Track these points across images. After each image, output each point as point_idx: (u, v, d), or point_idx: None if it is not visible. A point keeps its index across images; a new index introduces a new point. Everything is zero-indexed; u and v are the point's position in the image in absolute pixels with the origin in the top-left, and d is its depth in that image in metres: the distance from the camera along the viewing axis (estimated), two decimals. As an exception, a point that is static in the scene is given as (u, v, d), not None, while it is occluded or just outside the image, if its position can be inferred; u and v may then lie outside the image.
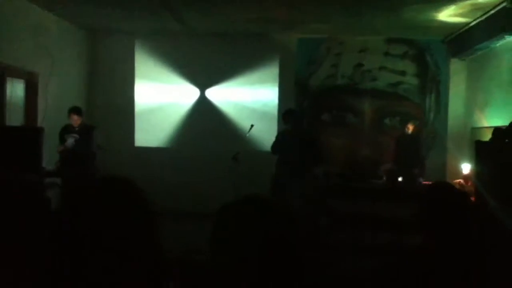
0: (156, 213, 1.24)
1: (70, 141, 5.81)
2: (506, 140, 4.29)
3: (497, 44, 6.09)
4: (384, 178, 6.49)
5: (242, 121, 7.43)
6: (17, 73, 5.94)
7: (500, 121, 5.67)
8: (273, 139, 6.47)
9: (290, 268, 1.14)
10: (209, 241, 1.19)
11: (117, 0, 5.81)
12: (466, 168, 6.42)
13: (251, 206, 1.20)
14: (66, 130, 5.89)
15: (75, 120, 5.86)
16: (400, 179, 6.14)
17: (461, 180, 6.40)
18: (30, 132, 5.28)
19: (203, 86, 7.77)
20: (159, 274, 1.20)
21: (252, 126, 6.54)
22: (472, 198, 5.53)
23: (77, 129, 5.87)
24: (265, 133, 7.18)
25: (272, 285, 1.14)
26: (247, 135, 6.64)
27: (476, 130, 6.66)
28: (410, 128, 6.56)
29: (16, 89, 6.03)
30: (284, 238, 1.16)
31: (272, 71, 7.70)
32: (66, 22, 7.02)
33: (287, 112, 6.14)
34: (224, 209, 1.21)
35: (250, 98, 7.72)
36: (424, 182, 6.13)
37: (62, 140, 5.85)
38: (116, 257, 1.12)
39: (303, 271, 1.18)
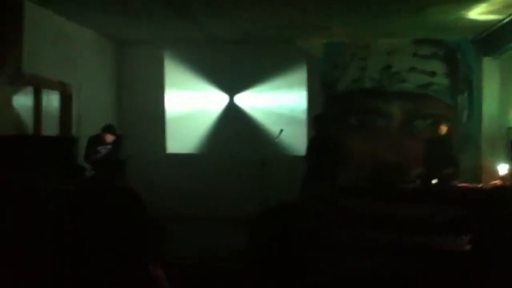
0: (153, 221, 1.30)
1: (103, 151, 5.97)
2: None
3: (531, 41, 5.93)
4: (417, 182, 6.37)
5: (271, 126, 7.44)
6: (51, 85, 6.13)
7: (537, 120, 5.49)
8: (301, 143, 6.53)
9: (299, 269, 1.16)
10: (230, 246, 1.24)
11: (139, 10, 5.90)
12: (503, 169, 6.24)
13: (283, 217, 1.23)
14: (99, 142, 6.00)
15: (109, 138, 5.98)
16: (434, 181, 6.01)
17: (498, 181, 6.21)
18: (66, 142, 5.44)
19: (231, 92, 7.83)
20: (156, 275, 1.23)
21: (281, 131, 6.56)
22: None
23: (109, 141, 6.01)
24: (293, 138, 7.18)
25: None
26: (277, 140, 6.64)
27: (511, 130, 6.47)
28: (443, 129, 6.41)
29: (51, 100, 6.22)
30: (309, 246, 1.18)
31: (299, 76, 7.69)
32: (95, 33, 7.20)
33: (315, 117, 6.28)
34: (259, 220, 1.25)
35: (278, 104, 7.73)
36: (460, 184, 5.99)
37: (94, 151, 5.97)
38: (112, 258, 1.15)
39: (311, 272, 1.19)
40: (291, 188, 5.84)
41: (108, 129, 6.01)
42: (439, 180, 5.99)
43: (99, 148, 5.98)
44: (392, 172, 7.02)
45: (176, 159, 7.75)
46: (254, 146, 7.25)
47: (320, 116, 6.46)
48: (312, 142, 6.33)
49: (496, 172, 6.42)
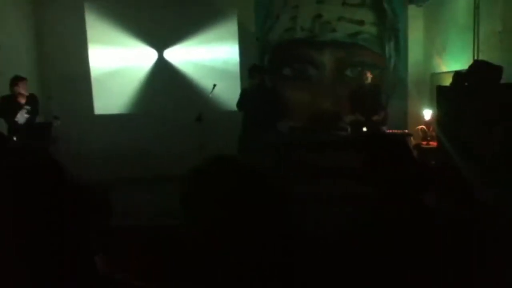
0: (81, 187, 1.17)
1: (22, 114, 5.52)
2: (466, 84, 4.38)
3: (453, -12, 6.12)
4: (349, 130, 6.57)
5: (203, 81, 7.26)
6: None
7: (459, 65, 5.77)
8: (235, 97, 6.46)
9: (262, 226, 1.13)
10: (178, 203, 1.17)
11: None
12: (427, 114, 6.57)
13: (220, 167, 1.17)
14: (13, 104, 5.53)
15: (25, 88, 5.52)
16: (364, 129, 6.22)
17: (423, 126, 6.56)
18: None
19: (160, 47, 7.49)
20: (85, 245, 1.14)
21: (214, 85, 6.41)
22: (435, 144, 5.70)
23: (24, 101, 5.56)
24: (228, 92, 7.06)
25: (244, 246, 1.12)
26: (210, 95, 6.50)
27: (435, 75, 6.78)
28: (369, 76, 6.58)
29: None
30: (255, 197, 1.14)
31: (230, 28, 7.49)
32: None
33: (251, 68, 6.18)
34: (194, 171, 1.17)
35: (210, 57, 7.52)
36: (388, 130, 6.24)
37: (9, 114, 5.51)
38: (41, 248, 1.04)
39: (278, 227, 1.16)
40: (229, 143, 5.82)
41: (19, 78, 5.56)
42: (368, 127, 6.21)
43: (17, 116, 5.51)
44: (325, 121, 7.20)
45: (106, 120, 7.39)
46: (188, 102, 7.07)
47: (256, 67, 6.45)
48: (247, 94, 6.29)
49: (421, 117, 6.76)
